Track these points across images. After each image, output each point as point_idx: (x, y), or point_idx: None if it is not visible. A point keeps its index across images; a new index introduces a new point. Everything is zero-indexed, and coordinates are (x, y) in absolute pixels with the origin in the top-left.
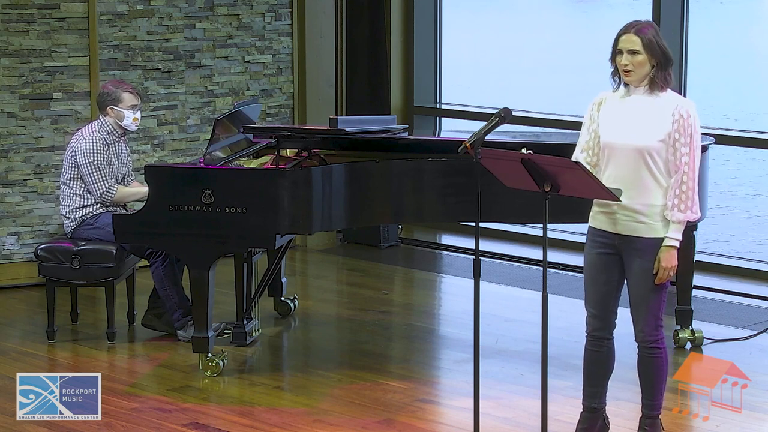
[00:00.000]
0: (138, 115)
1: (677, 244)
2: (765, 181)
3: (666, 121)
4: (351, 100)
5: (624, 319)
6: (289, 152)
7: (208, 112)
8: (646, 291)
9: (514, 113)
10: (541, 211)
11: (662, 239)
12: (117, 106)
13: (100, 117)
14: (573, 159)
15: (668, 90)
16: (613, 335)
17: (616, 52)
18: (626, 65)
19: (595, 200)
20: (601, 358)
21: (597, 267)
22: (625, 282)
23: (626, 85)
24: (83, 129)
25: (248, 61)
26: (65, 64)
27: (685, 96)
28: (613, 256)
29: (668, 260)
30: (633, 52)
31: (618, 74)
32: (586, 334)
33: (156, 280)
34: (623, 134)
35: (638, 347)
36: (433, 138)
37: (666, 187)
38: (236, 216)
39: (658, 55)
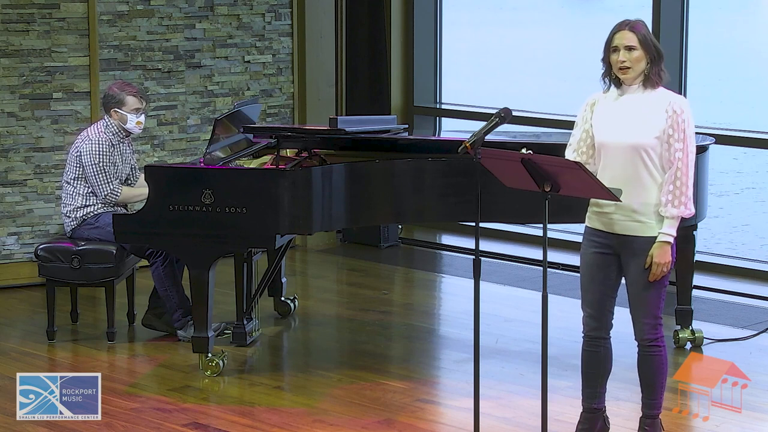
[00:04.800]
0: (142, 118)
1: (671, 239)
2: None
3: (660, 118)
4: (351, 100)
5: (623, 319)
6: (289, 152)
7: (208, 112)
8: (645, 290)
9: (514, 113)
10: (541, 211)
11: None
12: (120, 109)
13: (105, 118)
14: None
15: (661, 87)
16: (610, 335)
17: (610, 50)
18: (624, 61)
19: (591, 201)
20: (599, 359)
21: (595, 266)
22: (624, 282)
23: (618, 85)
24: (89, 129)
25: (248, 61)
26: (65, 64)
27: (684, 96)
28: (610, 256)
29: (661, 256)
30: (629, 48)
31: (608, 75)
32: (582, 334)
33: (156, 280)
34: (618, 133)
35: (638, 346)
36: (433, 138)
37: (661, 184)
38: (236, 216)
39: (651, 51)
